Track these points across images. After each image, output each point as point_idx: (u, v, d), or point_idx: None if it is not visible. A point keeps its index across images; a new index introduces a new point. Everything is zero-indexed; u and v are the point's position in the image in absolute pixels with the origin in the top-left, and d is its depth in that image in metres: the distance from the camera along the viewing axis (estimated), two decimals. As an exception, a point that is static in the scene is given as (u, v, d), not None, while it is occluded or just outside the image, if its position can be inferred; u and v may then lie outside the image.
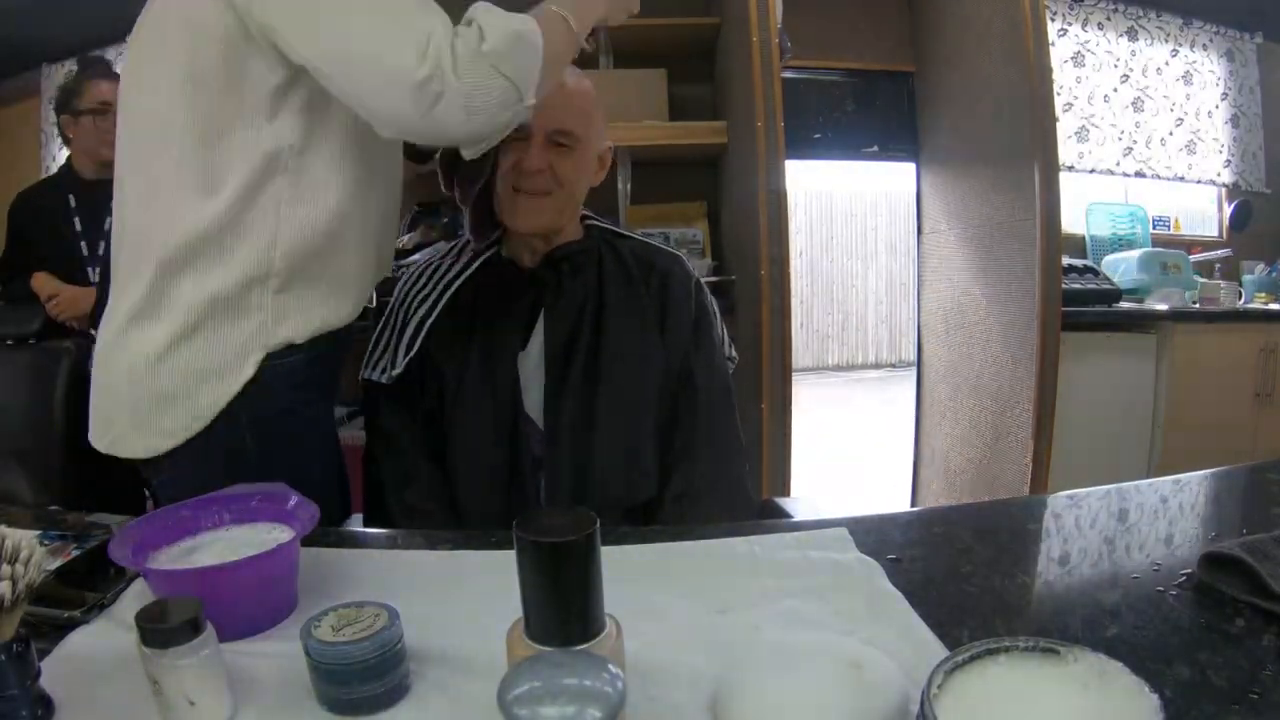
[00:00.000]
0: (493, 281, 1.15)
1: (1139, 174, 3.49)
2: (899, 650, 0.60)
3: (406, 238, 2.67)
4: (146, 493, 1.42)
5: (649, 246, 1.21)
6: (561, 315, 1.12)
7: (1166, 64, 3.51)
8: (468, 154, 0.91)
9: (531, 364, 1.12)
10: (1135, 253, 3.16)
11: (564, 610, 0.48)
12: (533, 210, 1.09)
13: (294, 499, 0.76)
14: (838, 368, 8.24)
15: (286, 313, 0.94)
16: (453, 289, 1.13)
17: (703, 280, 1.23)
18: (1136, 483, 0.94)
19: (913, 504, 3.23)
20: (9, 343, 1.80)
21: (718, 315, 1.23)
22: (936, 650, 0.59)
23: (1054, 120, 2.30)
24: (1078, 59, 3.39)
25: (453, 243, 1.24)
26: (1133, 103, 3.48)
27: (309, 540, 0.71)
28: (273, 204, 0.90)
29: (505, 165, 1.08)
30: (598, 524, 0.50)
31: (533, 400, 1.11)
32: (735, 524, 1.07)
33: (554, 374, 1.10)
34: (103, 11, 2.99)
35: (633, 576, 0.74)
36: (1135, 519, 0.85)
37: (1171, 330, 2.75)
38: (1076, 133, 3.38)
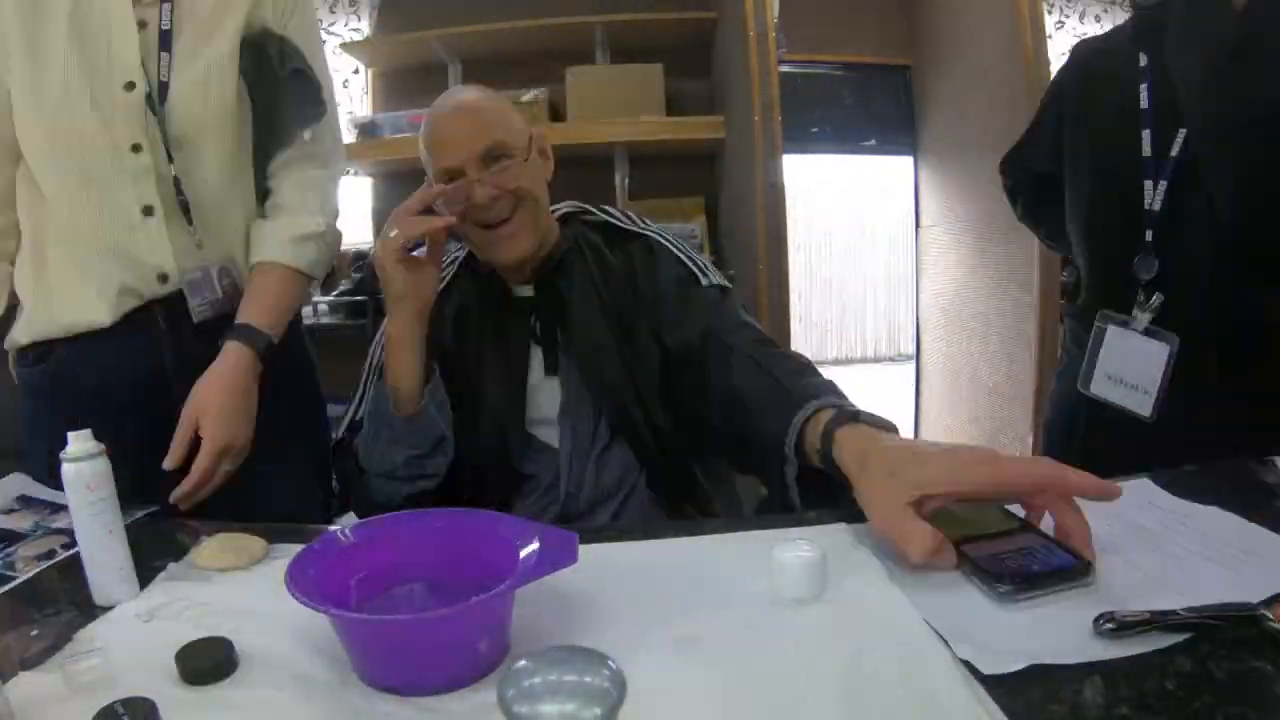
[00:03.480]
0: (492, 310, 1.14)
1: (1137, 166, 3.48)
2: (899, 649, 0.60)
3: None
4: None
5: (621, 233, 1.18)
6: (571, 339, 1.12)
7: (1164, 55, 3.51)
8: None
9: (538, 385, 1.13)
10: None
11: None
12: (510, 239, 1.05)
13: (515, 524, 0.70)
14: (836, 361, 8.24)
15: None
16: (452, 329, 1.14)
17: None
18: (1137, 477, 0.94)
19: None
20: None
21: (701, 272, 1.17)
22: (939, 649, 0.59)
23: (1052, 113, 2.29)
24: (1075, 51, 3.38)
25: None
26: (1130, 94, 3.47)
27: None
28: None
29: (459, 214, 1.03)
30: None
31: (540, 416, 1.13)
32: (734, 519, 1.08)
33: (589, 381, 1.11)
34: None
35: (631, 574, 0.75)
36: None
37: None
38: (1074, 125, 3.38)
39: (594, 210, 1.20)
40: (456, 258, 1.20)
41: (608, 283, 1.12)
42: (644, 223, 1.20)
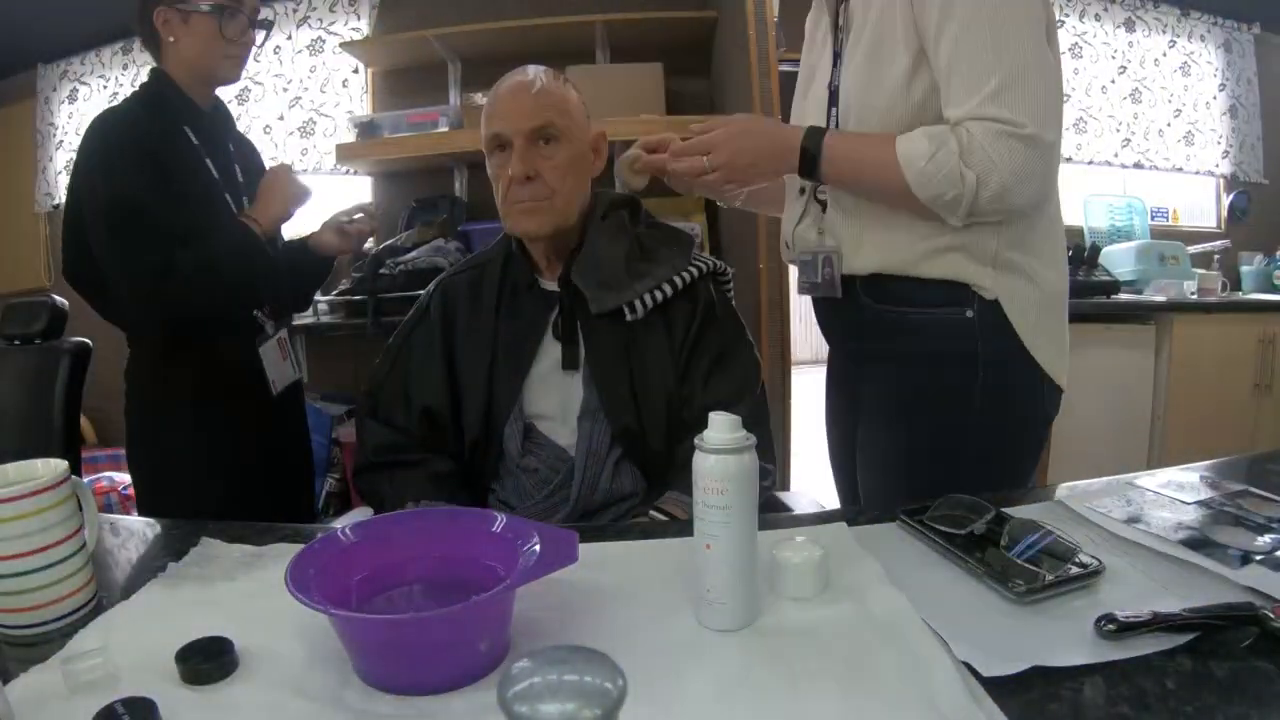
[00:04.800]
0: (516, 292, 1.17)
1: (1137, 165, 3.48)
2: (899, 649, 0.60)
3: (404, 235, 2.67)
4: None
5: (661, 252, 1.19)
6: (593, 354, 1.13)
7: (1164, 55, 3.51)
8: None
9: (546, 377, 1.14)
10: (1133, 244, 3.16)
11: None
12: (528, 215, 1.08)
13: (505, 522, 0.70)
14: (837, 361, 8.22)
15: None
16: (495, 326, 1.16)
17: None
18: (1136, 474, 0.94)
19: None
20: (16, 342, 1.79)
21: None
22: (939, 649, 0.59)
23: (1052, 112, 2.29)
24: (1075, 50, 3.38)
25: (481, 256, 1.24)
26: (1131, 94, 3.47)
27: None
28: None
29: (499, 180, 1.09)
30: None
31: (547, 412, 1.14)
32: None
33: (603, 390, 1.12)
34: (99, 11, 2.99)
35: (631, 574, 0.74)
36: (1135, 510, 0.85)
37: (1170, 321, 2.75)
38: (1074, 124, 3.38)
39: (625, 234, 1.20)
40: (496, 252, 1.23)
41: (640, 308, 1.12)
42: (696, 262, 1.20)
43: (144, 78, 1.39)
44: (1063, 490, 0.91)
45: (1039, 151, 0.88)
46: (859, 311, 1.08)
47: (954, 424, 1.03)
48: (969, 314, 1.00)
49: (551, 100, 1.09)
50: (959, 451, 1.03)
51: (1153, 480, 0.91)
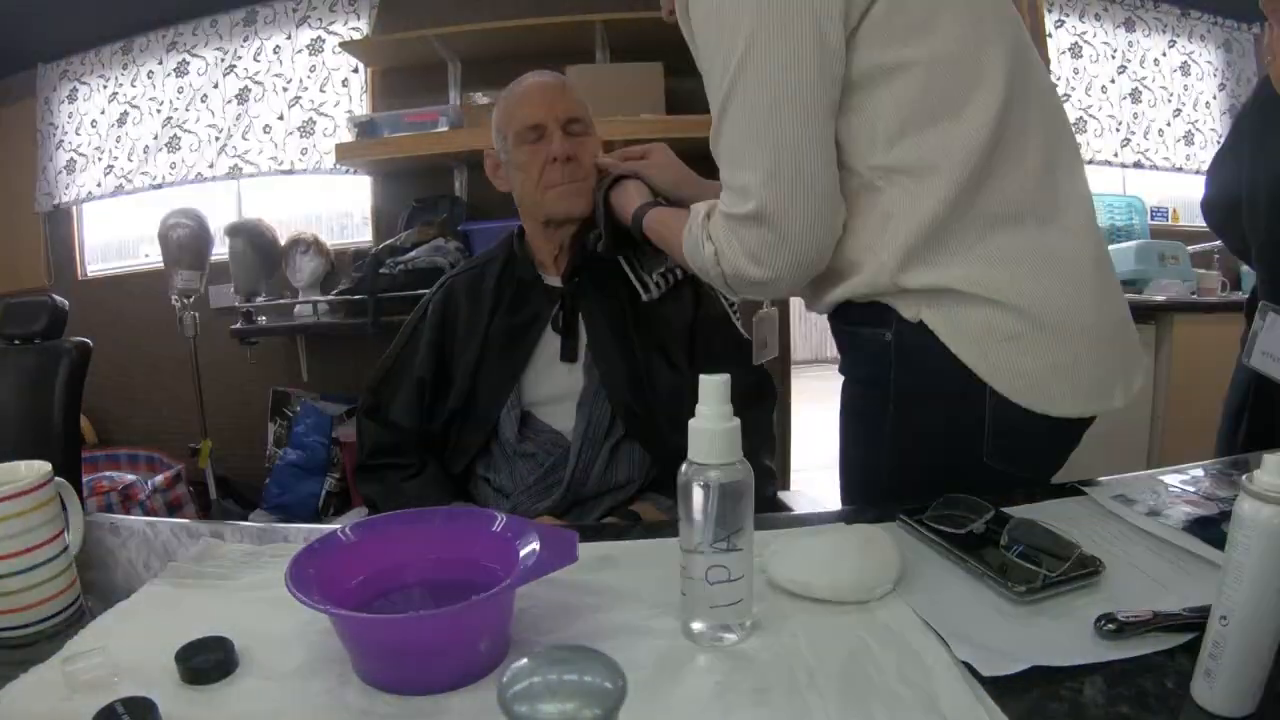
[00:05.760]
0: (518, 288, 1.21)
1: (1137, 165, 3.48)
2: (899, 649, 0.60)
3: (404, 234, 2.67)
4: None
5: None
6: (595, 339, 1.17)
7: (1164, 55, 3.51)
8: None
9: (545, 368, 1.17)
10: (1133, 244, 3.16)
11: None
12: (571, 196, 1.14)
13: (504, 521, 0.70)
14: (836, 360, 8.22)
15: None
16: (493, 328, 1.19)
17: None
18: (1136, 474, 0.94)
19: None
20: (16, 342, 1.79)
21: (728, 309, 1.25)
22: (939, 650, 0.59)
23: (1052, 112, 2.30)
24: (1075, 50, 3.38)
25: (484, 255, 1.28)
26: (1131, 94, 3.47)
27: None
28: None
29: (533, 165, 1.13)
30: None
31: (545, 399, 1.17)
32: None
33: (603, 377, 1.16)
34: (99, 11, 2.99)
35: (631, 574, 0.74)
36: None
37: (1170, 321, 2.75)
38: (1075, 124, 3.38)
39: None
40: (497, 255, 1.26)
41: (636, 299, 1.17)
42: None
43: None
44: (1071, 485, 0.90)
45: (766, 227, 0.80)
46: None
47: (869, 459, 0.96)
48: (887, 337, 0.89)
49: (577, 97, 1.18)
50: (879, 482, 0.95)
51: (1169, 476, 0.91)
